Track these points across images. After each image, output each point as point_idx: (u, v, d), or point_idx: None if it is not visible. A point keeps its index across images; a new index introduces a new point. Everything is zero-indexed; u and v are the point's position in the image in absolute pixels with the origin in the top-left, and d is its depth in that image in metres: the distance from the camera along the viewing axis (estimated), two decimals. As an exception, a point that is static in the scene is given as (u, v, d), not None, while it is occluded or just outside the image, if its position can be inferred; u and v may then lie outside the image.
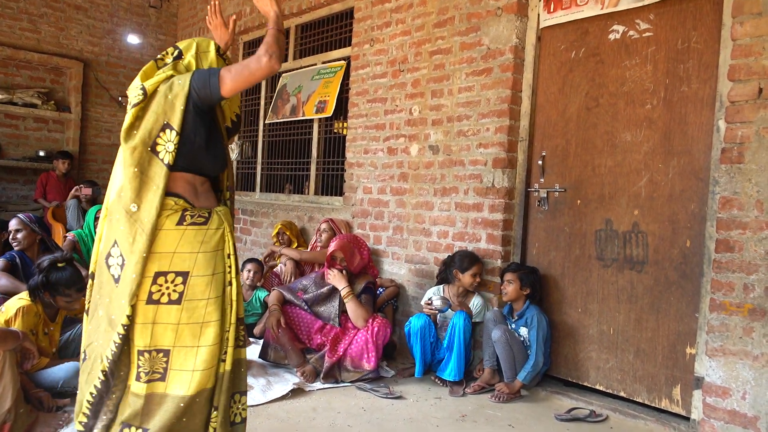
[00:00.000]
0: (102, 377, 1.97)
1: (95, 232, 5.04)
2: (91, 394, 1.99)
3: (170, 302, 1.98)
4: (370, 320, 3.67)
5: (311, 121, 5.63)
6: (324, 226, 4.76)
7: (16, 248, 4.03)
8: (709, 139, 3.06)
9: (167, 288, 1.98)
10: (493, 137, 3.90)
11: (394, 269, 4.57)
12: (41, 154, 6.96)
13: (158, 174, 1.97)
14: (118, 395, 2.00)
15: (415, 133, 4.45)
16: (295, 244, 5.08)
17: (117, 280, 1.97)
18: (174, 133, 1.98)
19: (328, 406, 3.21)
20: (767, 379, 2.71)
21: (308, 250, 4.96)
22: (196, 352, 2.00)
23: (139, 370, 1.97)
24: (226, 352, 2.06)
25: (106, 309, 2.00)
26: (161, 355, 1.99)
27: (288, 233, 5.11)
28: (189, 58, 2.16)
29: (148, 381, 1.98)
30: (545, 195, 3.76)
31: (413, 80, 4.47)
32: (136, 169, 1.95)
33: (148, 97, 2.03)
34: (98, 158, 7.49)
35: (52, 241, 4.36)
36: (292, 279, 4.51)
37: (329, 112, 5.23)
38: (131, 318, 1.94)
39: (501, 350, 3.47)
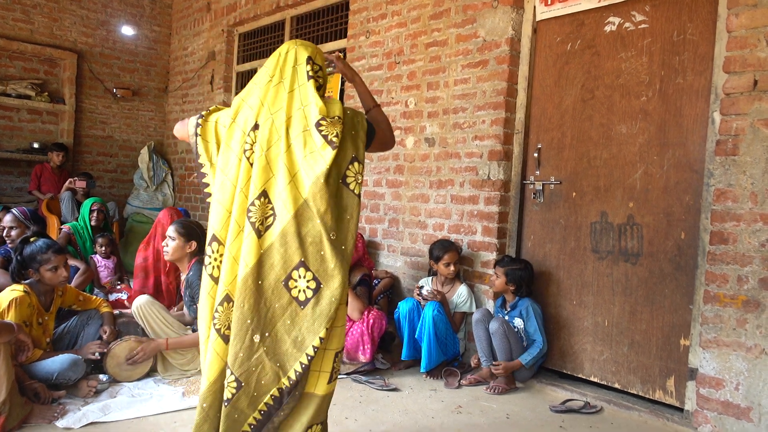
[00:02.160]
0: (277, 394, 2.01)
1: (90, 225, 5.04)
2: (260, 412, 2.03)
3: (344, 302, 2.08)
4: (366, 312, 3.67)
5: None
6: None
7: (10, 245, 4.02)
8: (704, 131, 3.06)
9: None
10: (489, 129, 3.90)
11: (390, 261, 4.58)
12: (35, 145, 6.91)
13: (350, 204, 2.04)
14: (287, 410, 2.06)
15: (411, 125, 4.44)
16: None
17: (303, 304, 1.98)
18: (361, 165, 2.06)
19: (324, 397, 3.21)
20: (760, 370, 2.72)
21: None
22: None
23: (334, 371, 2.07)
24: None
25: (285, 332, 2.00)
26: (342, 353, 2.15)
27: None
28: (323, 78, 2.22)
29: (335, 379, 2.11)
30: (541, 187, 3.76)
31: (409, 72, 4.46)
32: (333, 200, 1.99)
33: None
34: (93, 150, 7.45)
35: (46, 235, 4.34)
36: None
37: None
38: (328, 330, 2.00)
39: (498, 341, 3.48)
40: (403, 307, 3.81)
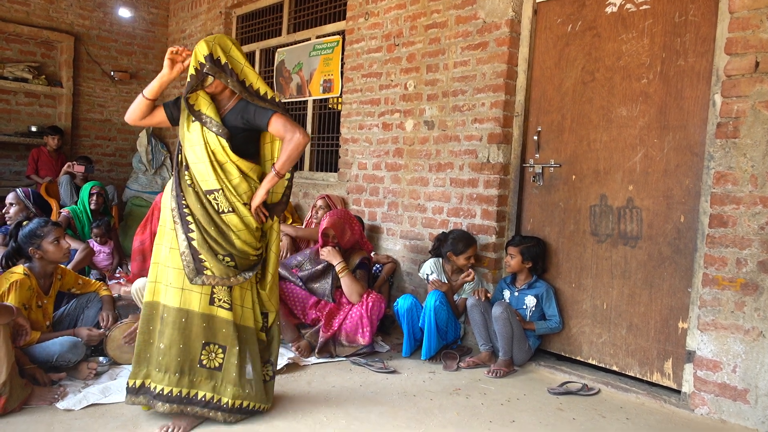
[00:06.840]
0: None
1: (90, 209, 5.05)
2: None
3: None
4: (365, 295, 3.67)
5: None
6: (320, 202, 4.74)
7: (9, 223, 4.05)
8: (704, 113, 3.04)
9: None
10: (489, 112, 3.88)
11: (389, 245, 4.58)
12: (33, 129, 6.87)
13: None
14: None
15: (410, 108, 4.42)
16: (290, 221, 5.06)
17: None
18: None
19: (323, 380, 3.23)
20: (758, 352, 2.73)
21: (303, 226, 4.95)
22: None
23: None
24: None
25: None
26: None
27: (283, 209, 5.09)
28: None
29: None
30: (540, 170, 3.75)
31: (408, 55, 4.42)
32: None
33: None
34: (91, 133, 7.42)
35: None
36: (288, 255, 4.51)
37: (337, 91, 5.18)
38: None
39: (500, 327, 3.46)
40: (402, 305, 3.74)
